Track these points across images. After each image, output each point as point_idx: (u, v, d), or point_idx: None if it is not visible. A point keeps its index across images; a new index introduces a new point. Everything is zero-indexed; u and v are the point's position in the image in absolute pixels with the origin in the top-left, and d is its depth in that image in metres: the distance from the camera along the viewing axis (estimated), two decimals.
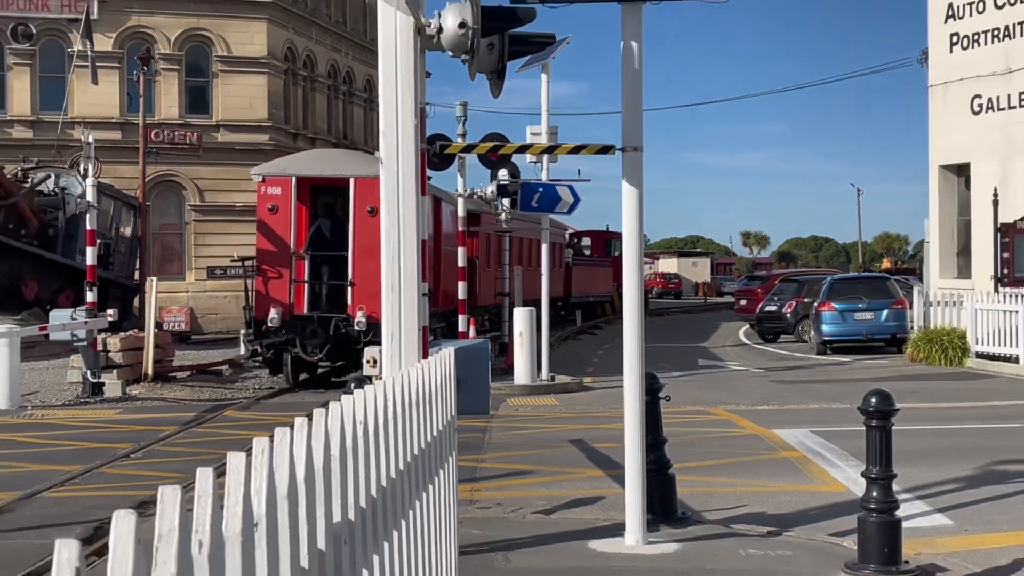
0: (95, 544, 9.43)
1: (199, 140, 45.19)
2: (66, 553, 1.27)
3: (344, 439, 2.78)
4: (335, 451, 2.68)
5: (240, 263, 26.38)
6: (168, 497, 1.62)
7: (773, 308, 37.87)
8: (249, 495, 1.98)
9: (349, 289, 22.85)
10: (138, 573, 1.43)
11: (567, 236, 52.91)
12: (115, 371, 22.48)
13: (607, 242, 59.09)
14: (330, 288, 23.85)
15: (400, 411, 3.59)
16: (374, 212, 17.23)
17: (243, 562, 1.87)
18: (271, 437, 2.27)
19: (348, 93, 55.00)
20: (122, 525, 1.44)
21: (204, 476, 1.84)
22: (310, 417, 2.64)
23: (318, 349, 22.95)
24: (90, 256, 23.84)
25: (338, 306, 23.16)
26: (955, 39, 32.26)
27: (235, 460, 2.03)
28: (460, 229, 25.58)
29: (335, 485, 2.66)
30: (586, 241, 58.48)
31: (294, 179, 23.87)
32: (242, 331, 27.73)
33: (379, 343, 6.91)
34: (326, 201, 25.18)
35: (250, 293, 25.03)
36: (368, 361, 11.06)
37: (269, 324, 22.72)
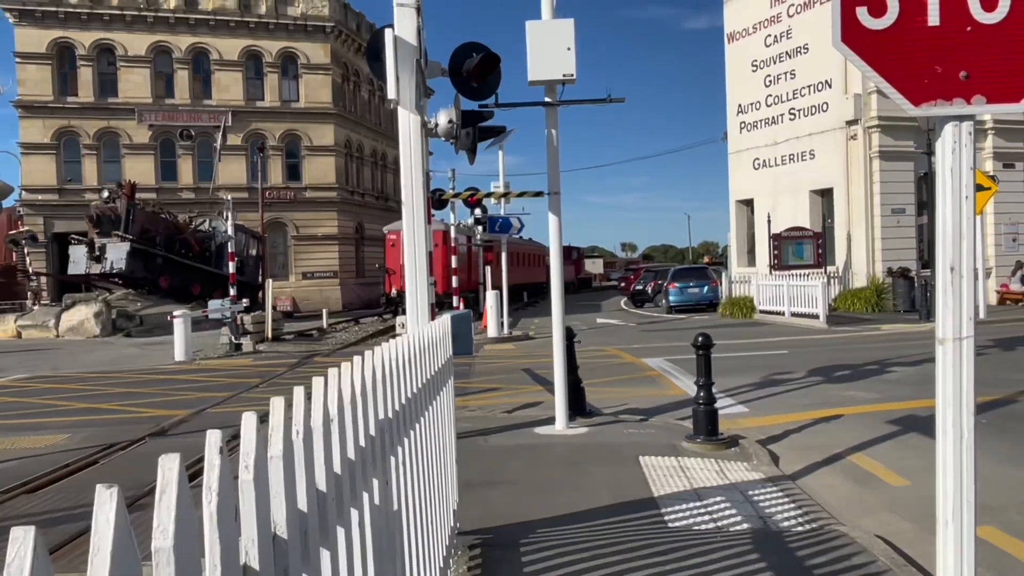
0: (240, 438, 9.40)
1: (295, 196, 44.81)
2: (213, 437, 1.27)
3: (386, 366, 2.79)
4: (379, 374, 2.68)
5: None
6: (276, 404, 1.62)
7: (641, 287, 38.05)
8: (327, 402, 1.97)
9: None
10: (259, 450, 1.43)
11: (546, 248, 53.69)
12: (248, 336, 22.28)
13: (569, 252, 60.55)
14: None
15: (419, 350, 3.60)
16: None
17: (324, 444, 1.86)
18: (340, 366, 2.25)
19: (384, 166, 54.61)
20: (248, 420, 1.45)
21: (298, 392, 1.84)
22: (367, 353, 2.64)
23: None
24: (231, 267, 23.62)
25: None
26: (743, 125, 32.47)
27: (318, 381, 2.02)
28: (453, 246, 25.60)
29: (380, 395, 2.66)
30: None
31: (400, 232, 24.76)
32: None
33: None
34: None
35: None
36: (401, 325, 11.06)
37: (391, 296, 28.59)
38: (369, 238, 50.93)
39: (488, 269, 27.41)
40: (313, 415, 1.81)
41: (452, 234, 26.68)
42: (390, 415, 2.79)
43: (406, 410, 3.13)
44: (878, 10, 3.01)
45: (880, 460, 7.35)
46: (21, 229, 38.87)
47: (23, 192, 41.26)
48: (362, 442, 2.26)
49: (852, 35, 3.03)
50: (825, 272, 26.19)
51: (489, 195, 14.66)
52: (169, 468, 1.03)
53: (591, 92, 9.98)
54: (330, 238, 45.75)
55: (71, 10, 41.28)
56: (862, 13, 3.01)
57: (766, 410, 10.09)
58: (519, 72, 8.77)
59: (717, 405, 8.09)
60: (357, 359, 2.41)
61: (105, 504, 0.88)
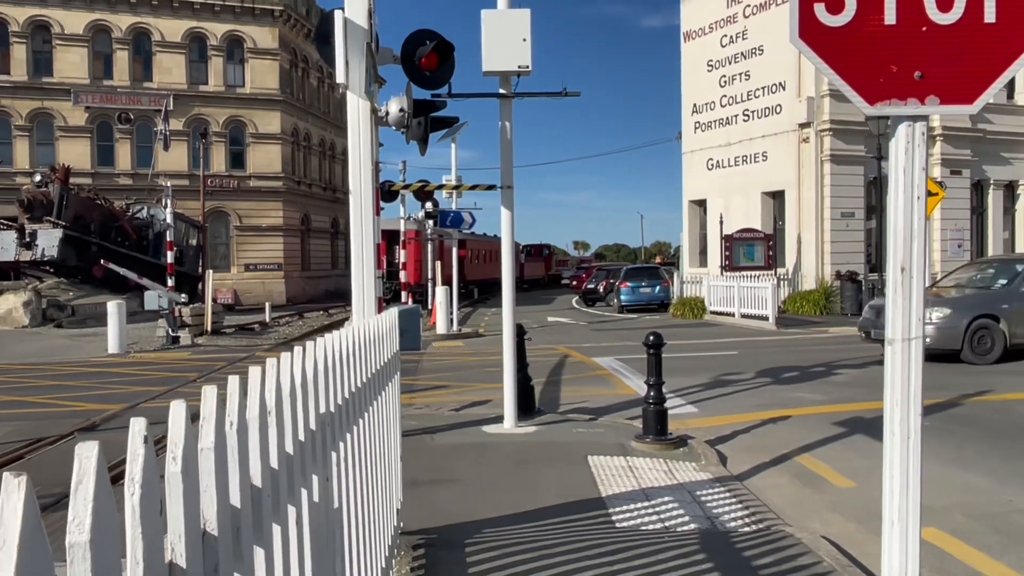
0: None
1: (238, 185, 44.03)
2: (137, 426, 1.21)
3: (329, 357, 2.73)
4: (321, 366, 2.62)
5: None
6: (208, 393, 1.56)
7: (592, 286, 38.23)
8: (264, 393, 1.91)
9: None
10: (187, 441, 1.38)
11: (521, 247, 60.26)
12: (187, 329, 21.83)
13: (540, 250, 69.14)
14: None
15: (363, 343, 3.54)
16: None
17: (260, 437, 1.80)
18: (279, 357, 2.17)
19: (332, 156, 54.00)
20: (176, 409, 1.39)
21: (233, 381, 1.77)
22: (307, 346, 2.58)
23: None
24: (169, 257, 23.13)
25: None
26: (697, 125, 32.85)
27: (255, 371, 1.95)
28: (403, 240, 25.44)
29: (320, 388, 2.60)
30: (531, 250, 66.13)
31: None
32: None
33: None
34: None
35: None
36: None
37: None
38: (315, 230, 50.30)
39: (439, 264, 27.30)
40: (249, 407, 1.75)
41: (427, 230, 26.71)
42: (332, 409, 2.73)
43: (349, 404, 3.07)
44: (836, 7, 3.04)
45: (827, 461, 7.49)
46: None
47: None
48: (301, 436, 2.20)
49: (810, 32, 3.06)
50: (775, 274, 26.65)
51: (440, 187, 14.61)
52: (87, 457, 0.97)
53: (546, 87, 9.99)
54: (275, 229, 45.06)
55: None
56: (820, 10, 3.04)
57: (715, 410, 10.21)
58: (474, 63, 8.73)
59: (667, 405, 8.14)
60: (298, 349, 2.35)
61: (13, 494, 0.82)
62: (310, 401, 2.36)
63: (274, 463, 1.87)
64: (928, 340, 13.99)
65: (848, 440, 8.37)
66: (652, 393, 8.00)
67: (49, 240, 30.69)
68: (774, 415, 9.72)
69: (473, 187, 10.36)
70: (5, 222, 32.18)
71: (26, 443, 8.85)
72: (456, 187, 13.45)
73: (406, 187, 12.60)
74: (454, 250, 26.29)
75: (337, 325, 25.98)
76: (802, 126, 27.43)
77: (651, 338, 8.03)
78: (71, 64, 41.36)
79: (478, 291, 47.64)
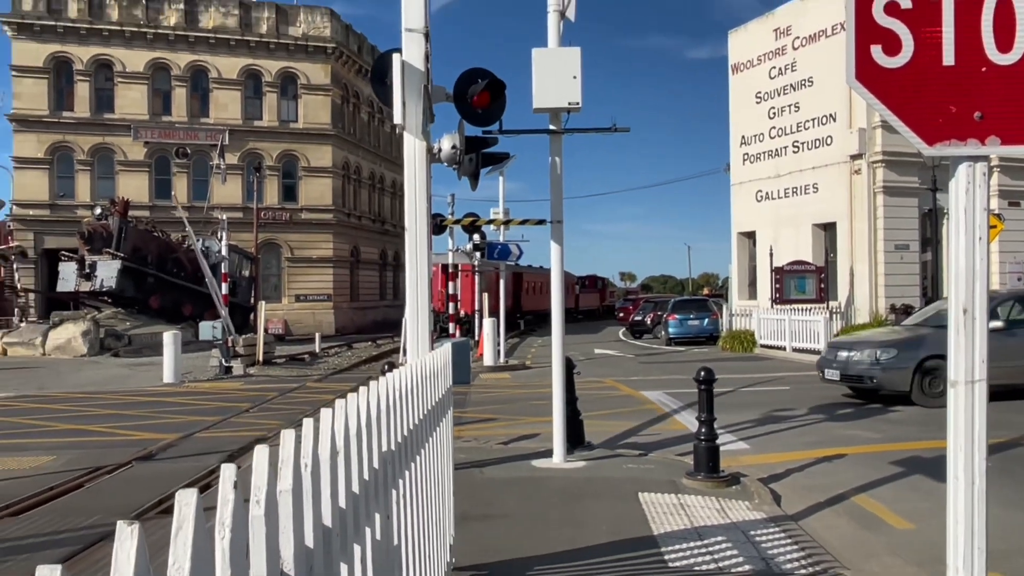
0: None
1: (290, 217, 44.94)
2: (227, 471, 1.27)
3: (390, 396, 2.78)
4: (383, 405, 2.68)
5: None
6: (287, 436, 1.62)
7: (640, 318, 38.00)
8: (333, 434, 1.97)
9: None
10: (270, 484, 1.43)
11: (576, 279, 61.50)
12: (239, 359, 22.22)
13: (595, 282, 70.00)
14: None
15: (420, 380, 3.59)
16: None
17: (331, 477, 1.86)
18: (346, 397, 2.23)
19: (381, 189, 54.85)
20: (260, 454, 1.44)
21: (308, 424, 1.83)
22: (366, 386, 2.63)
23: None
24: (224, 289, 23.60)
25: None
26: (746, 157, 32.68)
27: (326, 412, 2.01)
28: (450, 272, 25.64)
29: (383, 427, 2.65)
30: (586, 282, 67.15)
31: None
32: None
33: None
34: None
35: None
36: (403, 353, 11.00)
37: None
38: (364, 261, 50.96)
39: (483, 296, 27.43)
40: (321, 448, 1.80)
41: (475, 262, 27.09)
42: (392, 447, 2.78)
43: (408, 442, 3.12)
44: (893, 48, 3.04)
45: (884, 502, 7.32)
46: (11, 244, 38.85)
47: (14, 207, 41.29)
48: (366, 475, 2.25)
49: (866, 73, 3.06)
50: (827, 307, 26.23)
51: (491, 222, 14.71)
52: (186, 504, 1.03)
53: (593, 120, 10.06)
54: (325, 260, 45.78)
55: (70, 25, 41.60)
56: (876, 51, 3.05)
57: (768, 447, 10.06)
58: (522, 99, 8.84)
59: (719, 441, 8.05)
60: (362, 389, 2.40)
61: (126, 541, 0.87)
62: (373, 440, 2.41)
63: (342, 503, 1.92)
64: (873, 381, 13.64)
65: (906, 480, 8.18)
66: (704, 429, 7.91)
67: (108, 271, 31.58)
68: (828, 453, 9.54)
69: (523, 222, 10.45)
70: (67, 254, 33.24)
71: (86, 471, 9.08)
72: (506, 222, 13.55)
73: (457, 222, 12.75)
74: (501, 282, 26.40)
75: (385, 356, 26.32)
76: (853, 157, 27.11)
77: (702, 373, 7.97)
78: (132, 101, 42.80)
79: (533, 321, 48.32)
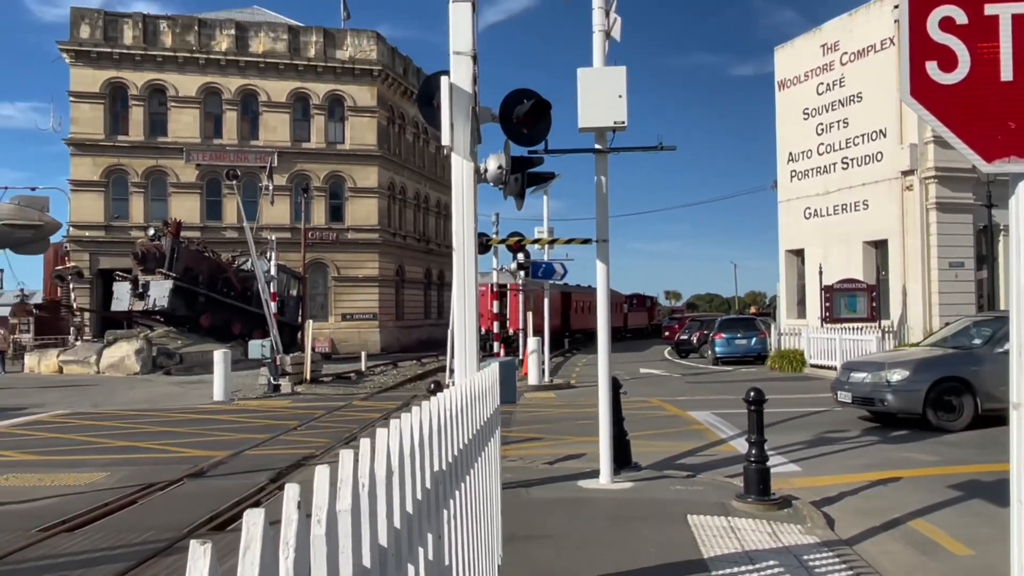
0: (278, 482, 9.44)
1: (337, 237, 45.56)
2: (291, 492, 1.29)
3: (441, 416, 2.80)
4: (434, 425, 2.69)
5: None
6: (345, 457, 1.63)
7: (686, 337, 37.67)
8: (389, 454, 1.98)
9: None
10: (331, 504, 1.44)
11: (624, 297, 63.77)
12: (287, 377, 22.51)
13: (643, 301, 70.98)
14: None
15: (470, 401, 3.61)
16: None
17: (386, 495, 1.87)
18: (399, 417, 2.25)
19: (426, 209, 55.39)
20: (321, 474, 1.46)
21: (364, 444, 1.85)
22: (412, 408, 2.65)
23: None
24: (272, 308, 23.97)
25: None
26: (794, 173, 32.33)
27: (381, 432, 2.03)
28: (495, 291, 25.72)
29: (434, 447, 2.67)
30: (634, 300, 68.42)
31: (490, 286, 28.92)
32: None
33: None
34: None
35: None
36: (449, 373, 11.04)
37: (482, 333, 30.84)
38: (409, 280, 51.36)
39: (530, 315, 27.45)
40: (376, 467, 1.82)
41: (519, 281, 27.29)
42: (443, 467, 2.80)
43: (458, 462, 3.14)
44: (949, 65, 3.00)
45: (942, 527, 7.12)
46: (67, 265, 39.95)
47: (71, 228, 42.51)
48: (419, 495, 2.27)
49: (922, 89, 3.03)
50: (879, 326, 25.72)
51: (536, 241, 14.73)
52: (254, 524, 1.05)
53: (637, 138, 10.05)
54: (370, 280, 46.27)
55: (125, 51, 42.88)
56: (932, 67, 3.01)
57: (820, 470, 9.87)
58: (567, 117, 8.87)
59: (769, 463, 7.92)
60: (414, 409, 2.42)
61: (199, 560, 0.90)
62: (426, 460, 2.43)
63: (397, 523, 1.94)
64: (884, 404, 13.19)
65: (965, 505, 7.95)
66: (754, 451, 7.79)
67: (160, 291, 32.30)
68: (883, 476, 9.32)
69: (569, 241, 10.45)
70: (121, 274, 34.09)
71: (139, 488, 9.25)
72: (552, 241, 13.54)
73: (503, 241, 12.79)
74: (546, 301, 26.42)
75: (430, 374, 26.47)
76: (905, 173, 26.65)
77: (752, 394, 7.86)
78: (184, 124, 43.90)
79: (582, 340, 48.77)
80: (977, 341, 13.99)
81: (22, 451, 12.35)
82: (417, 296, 52.96)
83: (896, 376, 13.10)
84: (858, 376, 13.70)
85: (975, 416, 12.68)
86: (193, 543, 0.92)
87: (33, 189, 40.51)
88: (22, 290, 48.16)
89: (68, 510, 8.12)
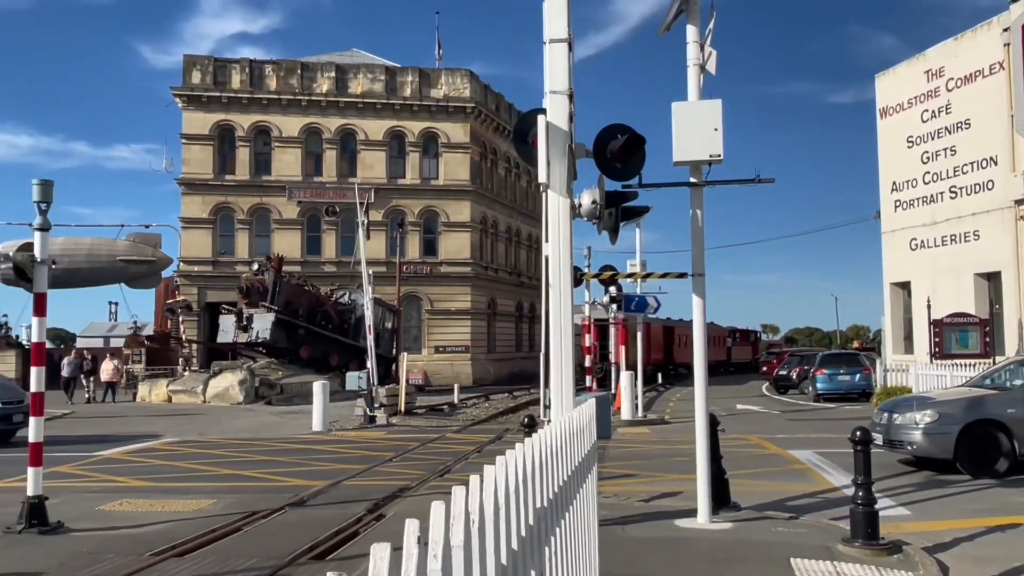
0: (375, 512, 9.60)
1: (430, 271, 46.41)
2: (411, 527, 1.32)
3: (543, 452, 2.82)
4: (537, 460, 2.71)
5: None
6: (457, 493, 1.67)
7: (785, 372, 36.60)
8: (497, 491, 2.01)
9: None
10: (446, 539, 1.47)
11: (727, 331, 64.06)
12: (382, 408, 22.90)
13: (747, 335, 70.46)
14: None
15: (569, 436, 3.62)
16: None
17: (494, 528, 1.90)
18: (495, 451, 2.28)
19: (517, 242, 55.87)
20: (437, 509, 1.50)
21: (474, 480, 1.88)
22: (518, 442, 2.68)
23: None
24: (369, 341, 24.49)
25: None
26: (898, 203, 31.25)
27: (489, 471, 2.05)
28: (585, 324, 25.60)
29: (537, 483, 2.68)
30: (738, 335, 67.80)
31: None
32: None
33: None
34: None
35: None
36: (545, 406, 11.03)
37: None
38: (501, 313, 51.74)
39: (620, 349, 27.21)
40: (485, 504, 1.86)
41: (610, 314, 27.15)
42: (545, 504, 2.82)
43: (558, 498, 3.15)
44: None
45: None
46: (177, 298, 41.91)
47: (181, 263, 44.68)
48: (523, 532, 2.30)
49: None
50: (994, 362, 24.43)
51: (631, 276, 14.62)
52: (380, 558, 1.10)
53: (729, 169, 9.94)
54: (463, 312, 46.84)
55: (233, 95, 45.07)
56: None
57: (931, 514, 9.41)
58: (658, 150, 8.84)
59: (877, 506, 7.61)
60: (519, 445, 2.46)
61: None
62: (529, 497, 2.46)
63: (504, 559, 1.97)
64: (913, 447, 12.30)
65: None
66: (861, 493, 7.49)
67: (263, 323, 33.48)
68: (1000, 522, 8.82)
69: (664, 275, 10.36)
70: (226, 307, 35.53)
71: (243, 515, 9.56)
72: (647, 275, 13.47)
73: (597, 276, 12.79)
74: (638, 335, 26.17)
75: (522, 407, 26.51)
76: (1019, 202, 25.39)
77: (858, 433, 7.59)
78: (287, 163, 45.73)
79: (686, 375, 48.04)
80: (1018, 381, 13.13)
81: (135, 477, 12.95)
82: (508, 329, 53.27)
83: (926, 418, 12.31)
84: (891, 417, 12.99)
85: (1014, 462, 11.87)
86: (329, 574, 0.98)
87: (147, 227, 42.89)
88: (135, 322, 50.85)
89: (177, 535, 8.45)
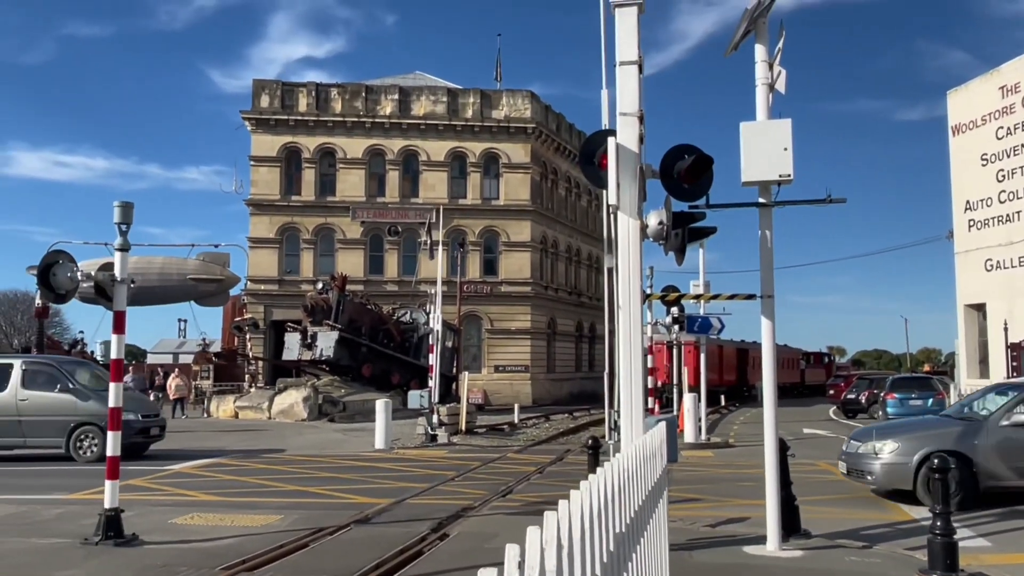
0: (439, 531, 9.61)
1: (491, 290, 46.60)
2: (512, 552, 1.33)
3: (620, 477, 2.80)
4: (617, 485, 2.69)
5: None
6: (549, 519, 1.66)
7: (853, 396, 35.67)
8: (583, 517, 2.00)
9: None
10: (542, 562, 1.46)
11: (801, 353, 65.01)
12: (443, 427, 23.00)
13: (821, 357, 70.97)
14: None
15: (644, 460, 3.59)
16: None
17: (580, 553, 1.89)
18: (590, 476, 2.27)
19: (577, 261, 55.79)
20: (532, 535, 1.49)
21: (563, 505, 1.88)
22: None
23: None
24: (431, 360, 24.66)
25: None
26: (972, 223, 30.37)
27: (574, 495, 2.04)
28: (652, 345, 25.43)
29: (616, 508, 2.67)
30: (812, 357, 67.99)
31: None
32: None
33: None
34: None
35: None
36: (614, 426, 10.91)
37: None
38: (561, 333, 51.61)
39: (683, 370, 26.87)
40: (573, 530, 1.86)
41: (673, 335, 26.91)
42: (623, 529, 2.79)
43: (635, 523, 3.12)
44: None
45: None
46: (245, 316, 42.87)
47: (248, 282, 45.72)
48: (604, 558, 2.28)
49: None
50: None
51: (697, 297, 14.45)
52: None
53: (798, 188, 9.75)
54: (523, 332, 46.86)
55: (300, 118, 46.14)
56: None
57: (1014, 546, 9.04)
58: (723, 169, 8.70)
59: (955, 537, 7.34)
60: (599, 471, 2.45)
61: None
62: (610, 522, 2.44)
63: None
64: (870, 477, 11.78)
65: None
66: (939, 523, 7.24)
67: (327, 341, 34.00)
68: None
69: (731, 296, 10.20)
70: (292, 325, 36.19)
71: (310, 532, 9.67)
72: (713, 296, 13.27)
73: (661, 297, 12.67)
74: (702, 355, 25.82)
75: (583, 428, 26.33)
76: None
77: (936, 461, 7.35)
78: (351, 184, 46.55)
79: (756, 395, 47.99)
80: (988, 409, 12.46)
81: (204, 492, 13.22)
82: (568, 348, 53.09)
83: (884, 447, 11.85)
84: (854, 445, 12.50)
85: (975, 495, 11.31)
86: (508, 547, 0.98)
87: (216, 246, 44.09)
88: (204, 339, 52.11)
89: (247, 550, 8.58)
